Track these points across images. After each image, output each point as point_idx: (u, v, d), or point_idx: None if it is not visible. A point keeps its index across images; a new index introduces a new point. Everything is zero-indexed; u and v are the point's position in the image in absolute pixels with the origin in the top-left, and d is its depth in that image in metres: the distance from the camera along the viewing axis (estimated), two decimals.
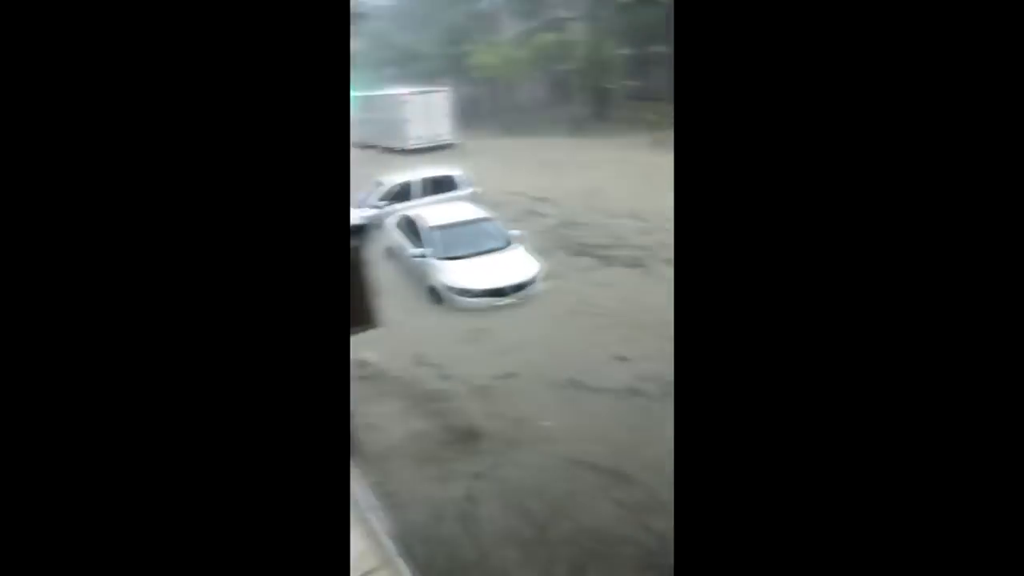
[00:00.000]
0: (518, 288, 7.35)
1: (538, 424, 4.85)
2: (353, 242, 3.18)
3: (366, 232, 3.27)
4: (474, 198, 10.75)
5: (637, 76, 22.43)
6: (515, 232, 8.40)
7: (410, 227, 8.51)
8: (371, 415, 4.88)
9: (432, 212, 8.71)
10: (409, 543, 1.67)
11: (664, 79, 19.43)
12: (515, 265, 7.65)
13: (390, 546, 1.60)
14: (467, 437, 4.75)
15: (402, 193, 10.88)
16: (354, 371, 5.62)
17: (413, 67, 31.98)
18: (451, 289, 7.29)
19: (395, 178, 11.32)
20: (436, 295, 7.46)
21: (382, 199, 10.67)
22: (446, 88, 22.57)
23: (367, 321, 3.36)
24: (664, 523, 3.48)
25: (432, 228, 8.07)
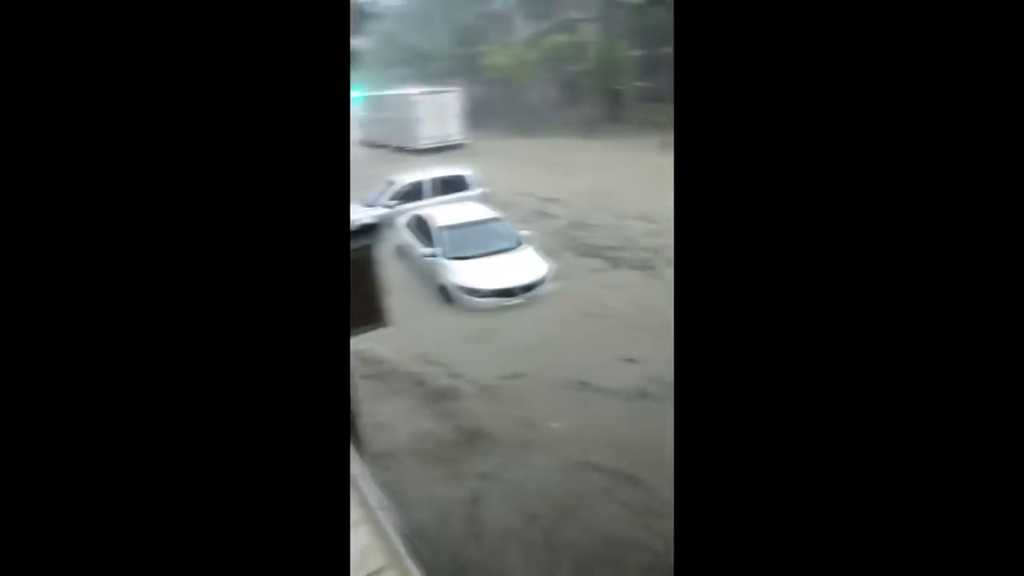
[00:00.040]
0: (527, 289, 7.36)
1: (546, 425, 4.85)
2: (364, 241, 3.20)
3: (377, 231, 3.27)
4: (484, 198, 10.78)
5: (648, 78, 22.37)
6: (524, 233, 8.41)
7: (420, 227, 8.55)
8: (379, 413, 4.90)
9: (442, 212, 8.74)
10: (415, 543, 1.67)
11: None
12: (524, 266, 7.66)
13: (399, 545, 1.61)
14: (475, 437, 4.75)
15: (413, 192, 10.93)
16: (363, 369, 5.66)
17: (425, 67, 32.09)
18: (460, 289, 7.31)
19: (406, 177, 11.37)
20: (446, 294, 7.48)
21: (393, 198, 10.72)
22: (457, 88, 22.64)
23: (377, 320, 3.37)
24: (671, 527, 3.46)
25: (442, 228, 8.09)
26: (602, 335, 6.42)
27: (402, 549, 1.58)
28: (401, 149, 21.28)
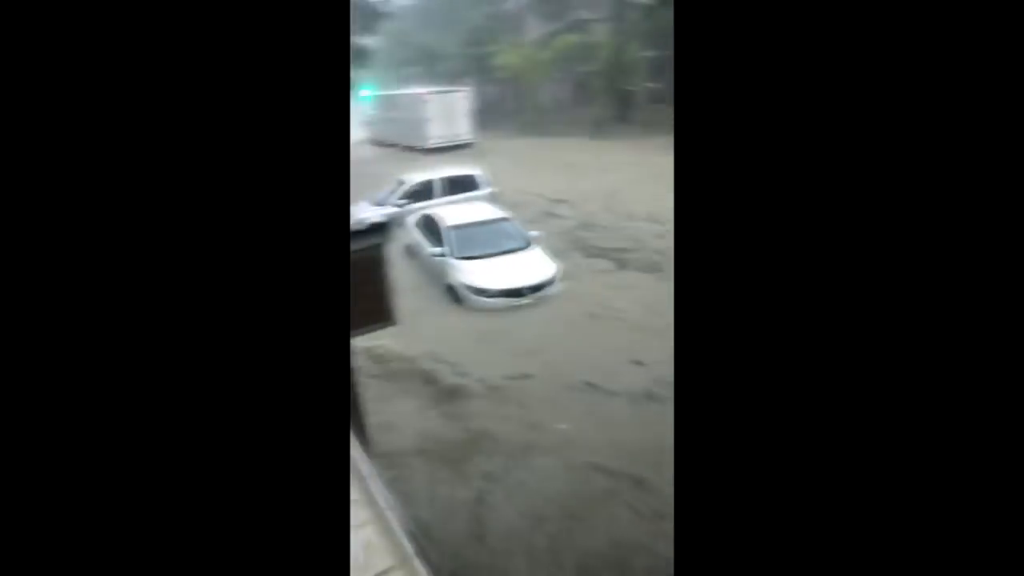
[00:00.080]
0: (535, 289, 7.35)
1: (554, 427, 4.84)
2: (374, 240, 3.21)
3: (386, 230, 3.28)
4: (492, 198, 10.78)
5: (659, 79, 22.30)
6: (533, 233, 8.41)
7: (429, 226, 8.56)
8: (386, 413, 4.91)
9: (451, 211, 8.75)
10: (422, 543, 1.68)
11: None
12: (533, 266, 7.65)
13: (407, 545, 1.61)
14: (481, 438, 4.75)
15: (423, 192, 10.96)
16: (370, 368, 5.68)
17: (436, 67, 32.17)
18: (469, 288, 7.31)
19: (416, 177, 11.40)
20: (454, 294, 7.49)
21: (402, 197, 10.74)
22: (466, 88, 22.68)
23: (385, 318, 3.38)
24: None
25: (451, 227, 8.10)
26: (610, 337, 6.40)
27: (410, 549, 1.58)
28: (410, 148, 21.35)
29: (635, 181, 13.55)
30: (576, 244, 9.69)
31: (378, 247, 3.22)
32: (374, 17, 21.76)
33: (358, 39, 20.37)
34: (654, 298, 7.19)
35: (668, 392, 5.02)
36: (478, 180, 11.65)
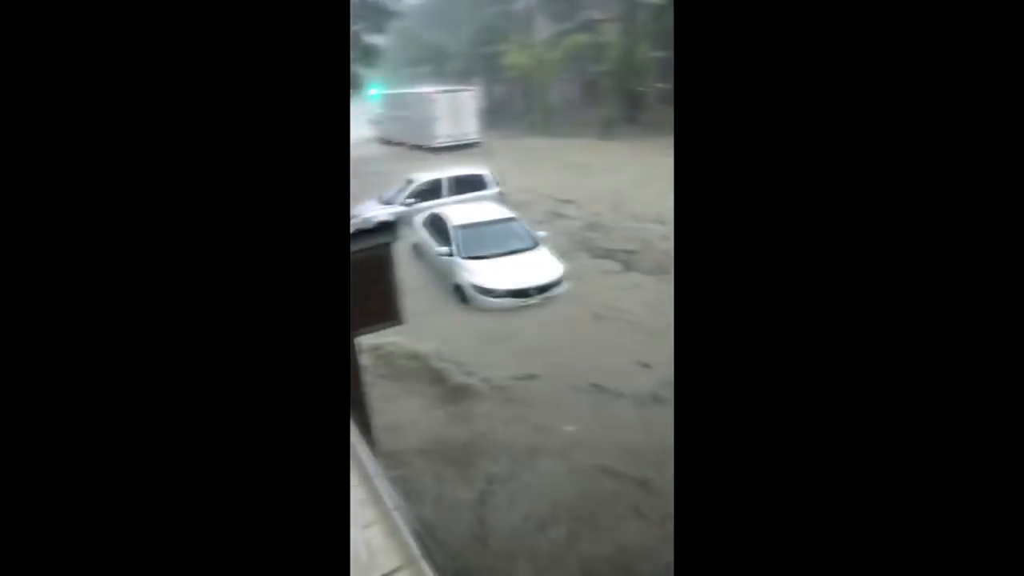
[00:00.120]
0: (542, 290, 7.35)
1: (560, 429, 4.83)
2: (381, 239, 3.21)
3: (394, 229, 3.29)
4: (499, 198, 10.78)
5: (668, 80, 22.22)
6: (541, 233, 8.40)
7: (437, 225, 8.57)
8: (391, 412, 4.91)
9: (459, 211, 8.76)
10: (428, 544, 1.67)
11: None
12: (540, 266, 7.65)
13: (413, 546, 1.60)
14: (487, 439, 4.75)
15: (431, 191, 10.97)
16: (376, 367, 5.69)
17: (444, 66, 32.22)
18: (475, 288, 7.31)
19: (425, 176, 11.42)
20: (461, 294, 7.49)
21: (410, 197, 10.76)
22: (474, 87, 22.72)
23: (392, 317, 3.38)
24: None
25: (458, 227, 8.10)
26: (616, 338, 6.39)
27: (416, 550, 1.58)
28: (418, 147, 21.42)
29: (643, 182, 13.51)
30: (583, 245, 9.67)
31: (386, 246, 3.22)
32: (383, 16, 21.79)
33: (367, 38, 20.43)
34: (660, 299, 7.16)
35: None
36: (486, 180, 11.65)
